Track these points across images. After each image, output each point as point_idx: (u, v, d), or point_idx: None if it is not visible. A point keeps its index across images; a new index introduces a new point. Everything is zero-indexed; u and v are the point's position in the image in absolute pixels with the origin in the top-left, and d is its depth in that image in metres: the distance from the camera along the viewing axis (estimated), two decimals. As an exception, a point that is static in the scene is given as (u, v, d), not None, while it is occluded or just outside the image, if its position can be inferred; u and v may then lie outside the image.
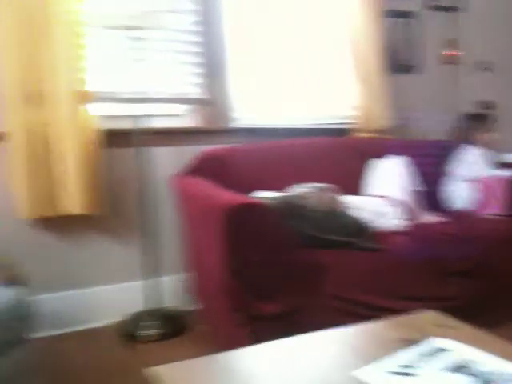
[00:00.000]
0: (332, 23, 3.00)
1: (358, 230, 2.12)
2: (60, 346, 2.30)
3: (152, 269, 2.50)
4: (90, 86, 2.35)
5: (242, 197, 1.93)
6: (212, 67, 2.74)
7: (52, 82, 2.24)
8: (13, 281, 1.74)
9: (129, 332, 2.40)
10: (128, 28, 2.25)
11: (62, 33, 2.22)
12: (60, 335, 2.39)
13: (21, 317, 1.64)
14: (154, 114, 2.55)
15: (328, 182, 2.32)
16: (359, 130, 3.03)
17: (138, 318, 2.47)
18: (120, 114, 2.56)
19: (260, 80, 2.91)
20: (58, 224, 2.42)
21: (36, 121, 2.24)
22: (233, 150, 2.57)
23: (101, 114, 2.43)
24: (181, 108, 2.78)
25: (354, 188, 2.69)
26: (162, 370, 0.99)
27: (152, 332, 2.37)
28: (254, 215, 1.82)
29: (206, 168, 2.42)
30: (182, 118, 2.77)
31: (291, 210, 2.06)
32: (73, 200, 2.30)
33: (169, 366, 1.02)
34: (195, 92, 2.74)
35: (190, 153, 2.51)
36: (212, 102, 2.76)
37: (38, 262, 2.37)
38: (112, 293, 2.56)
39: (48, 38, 2.22)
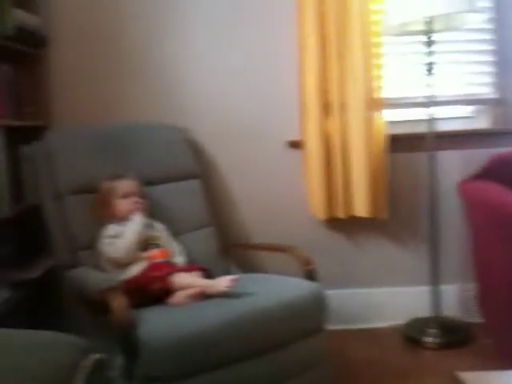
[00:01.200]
0: None
1: None
2: (342, 341, 2.41)
3: (437, 276, 2.44)
4: (382, 93, 2.42)
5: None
6: (506, 65, 2.54)
7: (348, 91, 2.38)
8: (310, 275, 1.92)
9: (412, 336, 2.39)
10: (421, 33, 2.26)
11: (359, 44, 2.34)
12: (343, 330, 2.50)
13: (318, 308, 1.80)
14: (441, 116, 2.48)
15: None
16: None
17: (422, 324, 2.44)
18: (404, 119, 2.59)
19: None
20: (345, 225, 2.56)
21: (330, 128, 2.41)
22: (529, 153, 2.33)
23: (388, 120, 2.48)
24: (469, 109, 2.66)
25: None
26: (469, 377, 0.98)
27: (435, 339, 2.33)
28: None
29: (498, 173, 2.24)
30: (470, 119, 2.64)
31: None
32: (360, 203, 2.40)
33: (475, 373, 1.00)
34: (485, 92, 2.59)
35: (479, 156, 2.37)
36: (505, 101, 2.57)
37: (328, 259, 2.53)
38: (396, 295, 2.59)
39: (345, 50, 2.36)
